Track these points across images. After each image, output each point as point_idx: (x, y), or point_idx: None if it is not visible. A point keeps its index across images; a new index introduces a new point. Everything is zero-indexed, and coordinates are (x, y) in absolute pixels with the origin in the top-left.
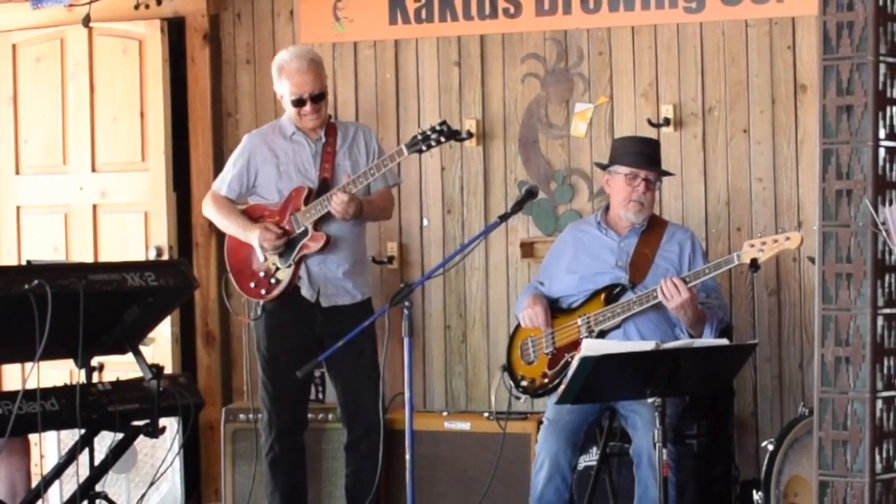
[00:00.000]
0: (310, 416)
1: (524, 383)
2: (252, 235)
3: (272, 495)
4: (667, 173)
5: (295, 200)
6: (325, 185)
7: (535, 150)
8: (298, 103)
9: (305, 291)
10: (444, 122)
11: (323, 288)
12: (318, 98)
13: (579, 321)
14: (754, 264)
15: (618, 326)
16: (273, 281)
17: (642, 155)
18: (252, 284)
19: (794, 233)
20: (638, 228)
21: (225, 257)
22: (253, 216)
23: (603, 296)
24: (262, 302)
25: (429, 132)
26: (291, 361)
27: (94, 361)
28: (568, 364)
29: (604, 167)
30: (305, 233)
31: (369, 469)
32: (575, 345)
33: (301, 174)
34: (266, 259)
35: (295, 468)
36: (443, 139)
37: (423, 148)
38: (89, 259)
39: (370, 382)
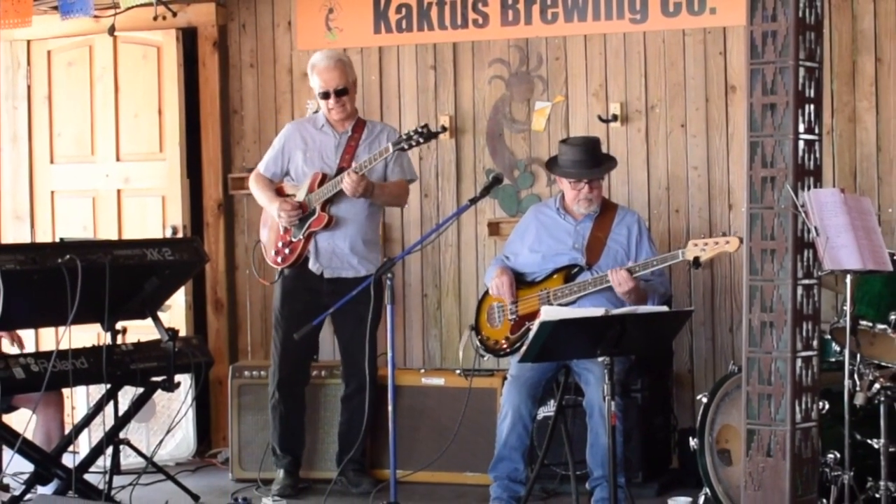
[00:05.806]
0: (312, 373)
1: (488, 343)
2: (274, 206)
3: (272, 434)
4: (608, 169)
5: (311, 184)
6: (341, 173)
7: (500, 143)
8: (324, 96)
9: (312, 265)
10: (425, 125)
11: (328, 261)
12: (341, 93)
13: (540, 294)
14: (696, 262)
15: (573, 302)
16: (288, 251)
17: (581, 163)
18: (273, 253)
19: (734, 238)
20: (592, 214)
21: (260, 234)
22: (280, 193)
23: (562, 274)
24: (280, 268)
25: (412, 133)
26: (297, 324)
27: (119, 325)
28: (528, 330)
29: (551, 169)
30: (314, 212)
31: (360, 419)
32: (535, 314)
33: (323, 161)
34: (285, 230)
35: (291, 414)
36: (422, 140)
37: (405, 147)
38: (114, 237)
39: (366, 346)
